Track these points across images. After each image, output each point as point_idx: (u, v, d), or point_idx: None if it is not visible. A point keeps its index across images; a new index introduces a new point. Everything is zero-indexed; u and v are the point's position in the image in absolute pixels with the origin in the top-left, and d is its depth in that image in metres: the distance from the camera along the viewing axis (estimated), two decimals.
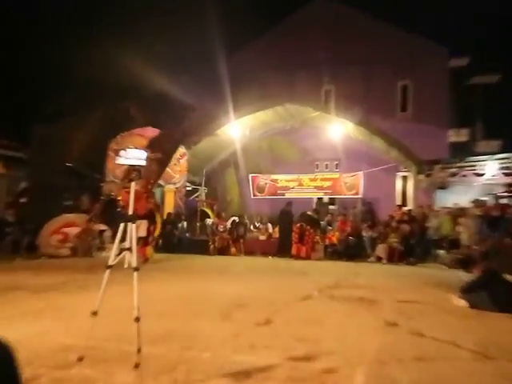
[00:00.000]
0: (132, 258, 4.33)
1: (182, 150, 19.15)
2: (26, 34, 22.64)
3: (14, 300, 6.47)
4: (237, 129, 19.76)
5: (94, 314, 4.19)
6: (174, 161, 18.72)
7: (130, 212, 4.46)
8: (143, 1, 23.35)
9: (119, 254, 4.40)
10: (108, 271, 4.32)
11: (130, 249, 4.38)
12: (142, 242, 11.41)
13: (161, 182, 18.29)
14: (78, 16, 22.85)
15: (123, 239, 4.40)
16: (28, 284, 7.77)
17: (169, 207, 19.02)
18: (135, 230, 4.37)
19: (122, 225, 4.37)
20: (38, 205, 15.65)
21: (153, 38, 22.26)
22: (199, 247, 17.04)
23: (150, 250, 12.02)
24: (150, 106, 18.85)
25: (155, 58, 21.40)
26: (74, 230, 14.48)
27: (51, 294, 6.96)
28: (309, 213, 16.39)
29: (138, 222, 11.10)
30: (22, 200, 17.04)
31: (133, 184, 4.53)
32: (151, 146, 14.50)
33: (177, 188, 19.25)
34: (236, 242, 17.39)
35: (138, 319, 4.18)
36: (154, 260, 12.08)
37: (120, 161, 4.69)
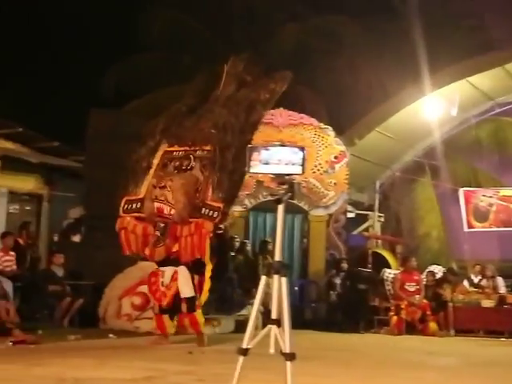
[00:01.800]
0: (284, 338, 4.10)
1: (337, 147, 17.69)
2: None
3: None
4: (435, 107, 18.30)
5: None
6: (322, 166, 17.36)
7: (277, 257, 4.31)
8: None
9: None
10: (241, 359, 4.16)
11: (278, 322, 4.16)
12: (188, 304, 10.64)
13: (300, 203, 16.94)
14: None
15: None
16: (87, 381, 7.06)
17: (317, 248, 17.80)
18: (286, 289, 4.16)
19: (262, 279, 4.31)
20: (100, 246, 15.17)
21: None
22: (370, 319, 16.18)
23: (200, 316, 10.93)
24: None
25: None
26: None
27: None
28: None
29: (169, 269, 10.64)
30: (74, 239, 16.70)
31: (280, 208, 4.28)
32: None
33: (330, 215, 17.91)
34: (438, 311, 15.93)
35: None
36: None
37: (256, 168, 4.43)
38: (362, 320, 15.66)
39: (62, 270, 14.14)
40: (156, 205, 10.49)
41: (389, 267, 17.79)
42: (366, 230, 20.15)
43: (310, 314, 16.59)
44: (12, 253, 13.15)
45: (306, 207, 17.37)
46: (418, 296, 15.72)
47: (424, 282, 16.35)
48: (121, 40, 22.27)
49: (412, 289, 15.87)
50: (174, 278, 10.51)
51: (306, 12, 21.74)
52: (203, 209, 10.46)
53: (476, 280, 17.43)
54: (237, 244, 15.74)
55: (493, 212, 19.49)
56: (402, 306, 15.45)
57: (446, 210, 20.72)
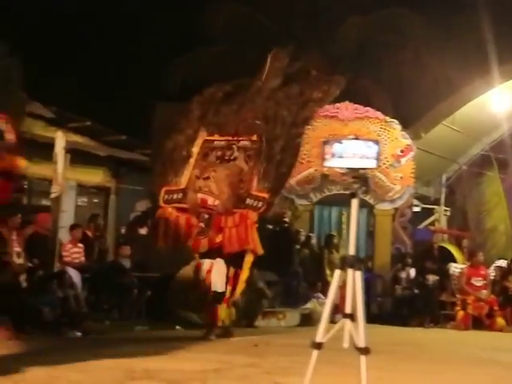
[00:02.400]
0: (358, 332, 4.01)
1: (404, 140, 17.45)
2: None
3: None
4: (503, 99, 18.04)
5: None
6: (388, 160, 17.08)
7: (351, 251, 4.11)
8: None
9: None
10: (315, 353, 4.06)
11: (351, 316, 4.08)
12: (215, 296, 10.41)
13: (366, 197, 16.44)
14: None
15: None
16: (157, 372, 6.88)
17: (383, 242, 17.65)
18: (360, 283, 4.05)
19: (336, 272, 4.14)
20: None
21: None
22: (436, 314, 15.81)
23: (223, 311, 10.56)
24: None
25: None
26: None
27: None
28: None
29: (207, 262, 10.34)
30: (141, 231, 16.22)
31: (355, 202, 4.04)
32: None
33: (396, 209, 17.72)
34: (506, 306, 15.54)
35: None
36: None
37: (329, 161, 4.27)
38: (429, 315, 15.44)
39: (129, 262, 14.12)
40: (200, 196, 10.29)
41: (455, 261, 17.45)
42: (432, 224, 19.87)
43: (375, 307, 16.44)
44: (80, 245, 13.16)
45: (371, 201, 17.20)
46: (484, 291, 15.39)
47: (492, 277, 16.00)
48: (186, 33, 22.24)
49: (479, 283, 15.55)
50: (208, 271, 10.30)
51: (370, 5, 21.48)
52: (248, 199, 10.25)
53: None
54: (302, 237, 15.68)
55: None
56: (469, 301, 15.15)
57: None
